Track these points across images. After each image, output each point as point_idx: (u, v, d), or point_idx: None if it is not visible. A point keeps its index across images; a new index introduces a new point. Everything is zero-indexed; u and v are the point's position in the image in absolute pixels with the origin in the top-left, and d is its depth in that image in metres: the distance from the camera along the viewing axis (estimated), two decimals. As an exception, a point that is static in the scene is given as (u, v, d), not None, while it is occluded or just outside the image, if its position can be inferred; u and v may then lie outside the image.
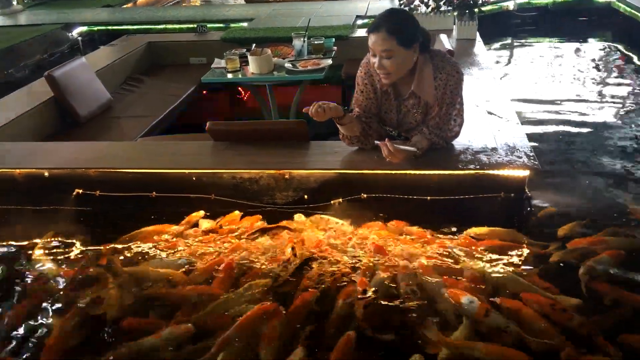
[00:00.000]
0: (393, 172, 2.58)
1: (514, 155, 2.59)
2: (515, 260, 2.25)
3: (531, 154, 2.58)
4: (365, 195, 2.63)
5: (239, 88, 5.14)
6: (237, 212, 2.65)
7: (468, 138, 2.73)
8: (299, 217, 2.59)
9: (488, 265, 2.21)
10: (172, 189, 2.75)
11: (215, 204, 2.71)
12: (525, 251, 2.30)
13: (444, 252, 2.30)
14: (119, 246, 2.47)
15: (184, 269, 2.28)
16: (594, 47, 6.15)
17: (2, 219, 2.81)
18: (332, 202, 2.66)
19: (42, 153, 3.04)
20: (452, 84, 2.51)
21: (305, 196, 2.69)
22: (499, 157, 2.58)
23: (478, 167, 2.53)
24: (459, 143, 2.69)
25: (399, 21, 2.40)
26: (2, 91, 4.58)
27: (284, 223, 2.55)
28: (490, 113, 3.10)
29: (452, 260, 2.24)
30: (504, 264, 2.22)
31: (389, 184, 2.61)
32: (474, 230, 2.42)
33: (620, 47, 6.06)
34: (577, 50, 6.08)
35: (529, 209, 2.62)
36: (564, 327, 1.86)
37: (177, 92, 4.52)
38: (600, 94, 4.71)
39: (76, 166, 2.82)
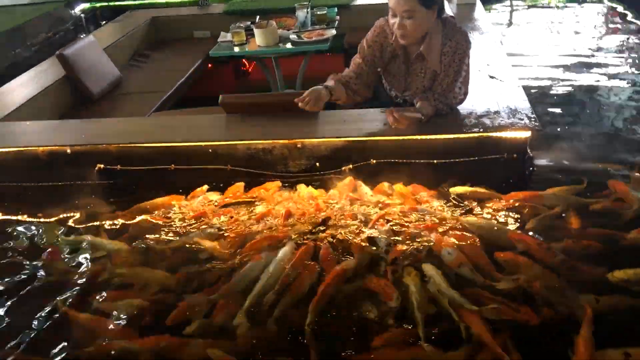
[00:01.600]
0: (400, 137, 2.70)
1: (516, 117, 2.70)
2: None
3: (532, 116, 2.70)
4: (374, 161, 2.75)
5: (244, 60, 5.22)
6: (240, 183, 2.79)
7: (471, 102, 2.83)
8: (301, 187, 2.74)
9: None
10: (189, 162, 2.87)
11: (231, 174, 2.85)
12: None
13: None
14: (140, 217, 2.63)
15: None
16: (592, 8, 6.18)
17: (28, 195, 2.96)
18: (342, 168, 2.79)
19: (62, 130, 3.16)
20: (460, 52, 2.62)
21: (317, 164, 2.81)
22: (501, 120, 2.69)
23: (482, 130, 2.64)
24: (462, 108, 2.80)
25: None
26: (11, 71, 4.69)
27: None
28: (491, 77, 3.20)
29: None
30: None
31: (397, 149, 2.73)
32: (456, 190, 2.58)
33: (618, 7, 6.09)
34: (575, 10, 6.12)
35: (531, 168, 2.76)
36: (547, 265, 2.05)
37: (184, 66, 4.60)
38: (598, 54, 4.78)
39: (96, 142, 2.93)
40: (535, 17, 6.17)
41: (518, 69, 4.46)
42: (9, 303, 2.18)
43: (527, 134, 2.63)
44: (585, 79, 4.27)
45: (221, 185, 2.82)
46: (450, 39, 2.62)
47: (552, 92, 4.08)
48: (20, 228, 2.67)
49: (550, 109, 3.75)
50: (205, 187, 2.80)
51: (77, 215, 2.72)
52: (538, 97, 3.94)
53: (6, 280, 2.31)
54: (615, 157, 2.95)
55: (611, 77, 4.25)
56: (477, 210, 2.44)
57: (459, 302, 1.89)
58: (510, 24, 6.03)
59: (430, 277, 2.03)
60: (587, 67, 4.51)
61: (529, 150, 2.71)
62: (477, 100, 2.88)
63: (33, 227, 2.67)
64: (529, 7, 6.58)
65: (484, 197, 2.53)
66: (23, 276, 2.32)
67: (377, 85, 3.05)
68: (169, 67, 4.66)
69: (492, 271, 2.06)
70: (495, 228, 2.32)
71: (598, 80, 4.21)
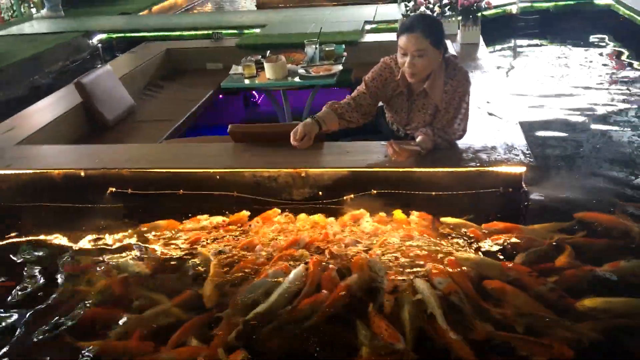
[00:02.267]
0: (400, 169, 2.82)
1: (512, 153, 2.82)
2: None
3: (527, 152, 2.81)
4: (375, 191, 2.86)
5: (254, 92, 5.39)
6: (244, 212, 2.86)
7: (470, 138, 2.95)
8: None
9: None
10: (197, 187, 2.99)
11: (237, 200, 2.96)
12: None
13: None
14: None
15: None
16: (594, 49, 6.34)
17: (42, 217, 3.07)
18: (344, 197, 2.90)
19: (77, 154, 3.30)
20: (461, 91, 2.76)
21: (320, 192, 2.93)
22: (497, 155, 2.80)
23: (478, 164, 2.75)
24: (461, 143, 2.92)
25: (433, 23, 2.68)
26: (29, 96, 4.88)
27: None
28: (490, 114, 3.33)
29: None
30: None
31: (397, 181, 2.84)
32: (447, 220, 2.68)
33: (619, 48, 6.26)
34: (578, 52, 6.28)
35: (526, 202, 2.86)
36: (536, 292, 2.15)
37: (196, 96, 4.78)
38: (600, 95, 4.89)
39: (109, 167, 3.07)
40: (538, 56, 6.33)
41: (520, 106, 4.62)
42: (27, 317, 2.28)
43: (522, 169, 2.73)
44: (586, 117, 4.39)
45: (226, 212, 2.91)
46: (452, 78, 2.77)
47: (552, 129, 4.19)
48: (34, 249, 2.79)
49: (549, 145, 3.85)
50: (206, 215, 2.88)
51: (88, 235, 2.82)
52: (538, 133, 4.07)
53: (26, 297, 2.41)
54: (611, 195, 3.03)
55: (613, 115, 4.37)
56: (468, 241, 2.54)
57: (443, 326, 1.98)
58: (512, 65, 6.17)
59: (421, 293, 2.14)
60: (590, 106, 4.63)
61: (524, 185, 2.82)
62: (475, 135, 3.00)
63: (46, 246, 2.79)
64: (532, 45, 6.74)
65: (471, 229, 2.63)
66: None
67: (380, 119, 3.19)
68: (181, 96, 4.83)
69: (479, 301, 2.14)
70: (488, 263, 2.39)
71: (600, 119, 4.32)
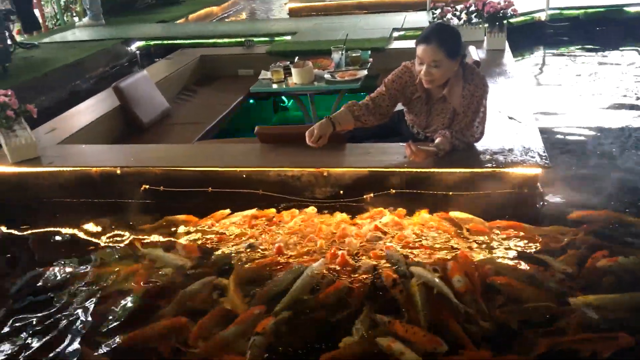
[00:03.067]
0: (418, 170, 2.92)
1: (528, 155, 2.89)
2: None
3: (544, 154, 2.88)
4: (394, 191, 2.98)
5: (283, 97, 5.56)
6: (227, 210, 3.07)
7: (488, 140, 3.04)
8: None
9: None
10: (225, 185, 3.15)
11: (263, 198, 3.11)
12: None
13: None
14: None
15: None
16: (624, 57, 6.31)
17: (81, 211, 3.28)
18: (364, 196, 3.02)
19: (114, 154, 3.51)
20: (479, 95, 2.85)
21: (341, 191, 3.05)
22: (514, 157, 2.88)
23: (495, 165, 2.84)
24: (479, 145, 3.01)
25: (448, 35, 2.77)
26: (70, 100, 5.14)
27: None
28: (510, 118, 3.40)
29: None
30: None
31: (415, 181, 2.95)
32: (455, 215, 2.82)
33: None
34: (606, 60, 6.26)
35: (542, 203, 2.93)
36: (547, 287, 2.26)
37: (227, 100, 4.96)
38: (625, 105, 4.88)
39: (143, 165, 3.26)
40: (566, 64, 6.33)
41: (542, 112, 4.67)
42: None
43: (537, 170, 2.81)
44: (614, 123, 4.40)
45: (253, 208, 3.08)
46: (470, 83, 2.86)
47: (573, 134, 4.23)
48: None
49: (568, 150, 3.90)
50: (228, 210, 3.07)
51: (120, 229, 3.03)
52: (558, 138, 4.11)
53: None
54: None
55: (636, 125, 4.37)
56: (483, 240, 2.64)
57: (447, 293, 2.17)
58: (540, 71, 6.19)
59: (423, 277, 2.32)
60: (617, 114, 4.63)
61: (539, 186, 2.89)
62: (493, 138, 3.08)
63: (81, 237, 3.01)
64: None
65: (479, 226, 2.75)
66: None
67: (401, 122, 3.30)
68: (213, 101, 5.02)
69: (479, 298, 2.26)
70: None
71: (623, 128, 4.33)
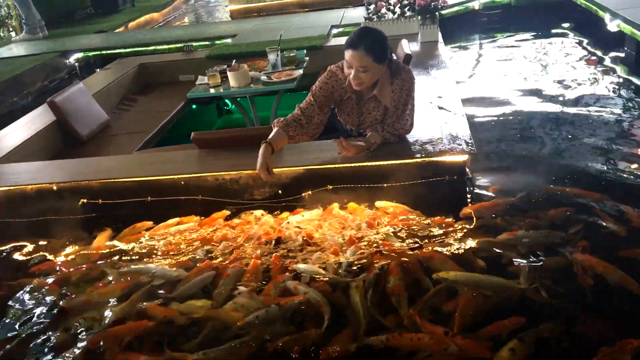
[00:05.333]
0: (353, 165, 2.99)
1: (456, 143, 2.99)
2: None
3: (470, 141, 2.98)
4: (330, 187, 3.04)
5: (226, 100, 5.57)
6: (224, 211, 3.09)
7: (418, 131, 3.13)
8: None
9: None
10: (164, 194, 3.16)
11: (202, 204, 3.13)
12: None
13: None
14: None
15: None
16: (555, 42, 6.55)
17: (17, 230, 3.23)
18: (303, 194, 3.07)
19: (50, 170, 3.46)
20: (407, 88, 2.93)
21: (280, 191, 3.10)
22: (442, 146, 2.98)
23: (424, 155, 2.93)
24: (410, 136, 3.10)
25: (375, 41, 2.77)
26: (8, 119, 5.02)
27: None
28: (441, 108, 3.51)
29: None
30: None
31: (350, 175, 3.02)
32: (380, 204, 2.93)
33: (579, 39, 6.47)
34: (537, 44, 6.49)
35: (471, 188, 3.05)
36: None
37: (169, 107, 4.93)
38: (556, 87, 5.07)
39: (79, 179, 3.23)
40: (499, 50, 6.53)
41: (473, 100, 4.82)
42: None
43: (464, 157, 2.91)
44: (540, 108, 4.58)
45: (194, 215, 3.11)
46: (397, 78, 2.93)
47: (504, 119, 4.39)
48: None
49: (498, 135, 4.05)
50: (176, 219, 3.09)
51: (59, 245, 3.01)
52: (489, 124, 4.26)
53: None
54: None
55: (567, 105, 4.55)
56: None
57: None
58: (475, 60, 6.36)
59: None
60: (546, 97, 4.82)
61: (468, 172, 3.00)
62: (424, 128, 3.18)
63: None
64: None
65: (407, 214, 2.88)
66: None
67: (335, 119, 3.37)
68: (154, 109, 4.99)
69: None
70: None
71: (553, 110, 4.51)
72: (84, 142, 4.34)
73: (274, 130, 2.94)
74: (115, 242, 2.96)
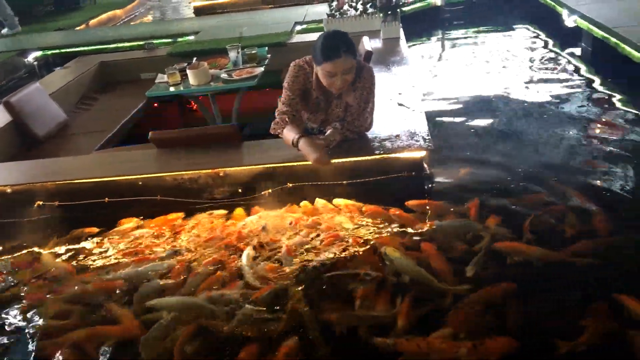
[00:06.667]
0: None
1: (414, 139, 3.02)
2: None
3: (427, 137, 3.02)
4: (290, 185, 3.04)
5: (189, 99, 5.51)
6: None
7: (378, 128, 3.15)
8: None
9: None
10: (122, 194, 3.12)
11: (161, 204, 3.10)
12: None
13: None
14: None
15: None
16: (516, 35, 6.66)
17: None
18: (263, 192, 3.07)
19: (5, 172, 3.38)
20: (368, 86, 2.94)
21: (239, 190, 3.09)
22: (400, 142, 3.00)
23: (383, 152, 2.95)
24: (369, 133, 3.11)
25: (347, 40, 2.74)
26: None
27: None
28: (400, 104, 3.53)
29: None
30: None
31: (310, 173, 3.03)
32: (337, 201, 2.98)
33: (539, 34, 6.59)
34: (497, 39, 6.60)
35: (430, 185, 3.08)
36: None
37: (130, 106, 4.86)
38: (516, 82, 5.16)
39: (36, 181, 3.17)
40: (460, 46, 6.60)
41: (433, 96, 4.88)
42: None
43: (422, 153, 2.94)
44: (498, 102, 4.66)
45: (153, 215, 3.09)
46: (360, 76, 2.93)
47: (463, 115, 4.45)
48: None
49: (457, 131, 4.10)
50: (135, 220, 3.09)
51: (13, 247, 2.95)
52: (447, 120, 4.33)
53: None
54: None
55: (526, 100, 4.64)
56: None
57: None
58: (437, 55, 6.42)
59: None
60: (504, 92, 4.90)
61: (426, 168, 3.03)
62: (383, 125, 3.19)
63: None
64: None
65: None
66: None
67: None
68: (115, 107, 4.91)
69: None
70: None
71: (512, 104, 4.59)
72: (41, 143, 4.25)
73: (287, 128, 2.87)
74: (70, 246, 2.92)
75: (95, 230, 3.02)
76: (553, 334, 2.04)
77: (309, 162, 2.97)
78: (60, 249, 2.91)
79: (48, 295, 2.55)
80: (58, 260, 2.82)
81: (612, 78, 4.89)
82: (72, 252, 2.87)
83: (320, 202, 3.00)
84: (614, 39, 4.90)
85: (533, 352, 2.03)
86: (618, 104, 4.35)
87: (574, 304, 2.21)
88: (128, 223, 3.07)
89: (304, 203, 2.98)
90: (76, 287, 2.57)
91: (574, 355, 1.96)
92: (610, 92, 4.61)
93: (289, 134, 2.84)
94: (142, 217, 3.09)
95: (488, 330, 2.08)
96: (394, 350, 2.03)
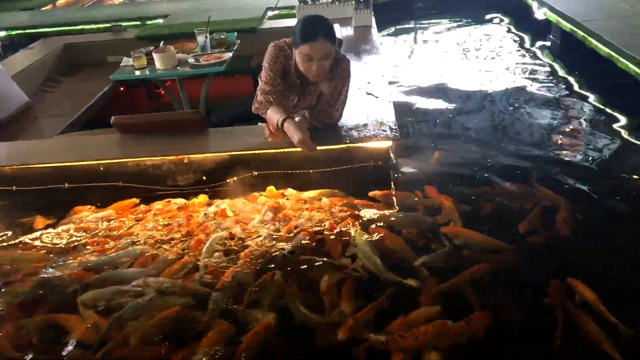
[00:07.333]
0: (279, 150, 2.96)
1: (381, 129, 3.01)
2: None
3: (394, 127, 3.01)
4: (256, 173, 3.01)
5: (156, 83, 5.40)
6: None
7: (346, 117, 3.12)
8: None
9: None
10: (83, 180, 3.05)
11: (124, 190, 3.04)
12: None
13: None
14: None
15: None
16: (488, 26, 6.69)
17: None
18: (227, 180, 3.03)
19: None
20: (344, 77, 2.90)
21: (204, 177, 3.04)
22: (367, 132, 2.99)
23: (349, 141, 2.93)
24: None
25: (329, 25, 2.71)
26: None
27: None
28: (368, 94, 3.52)
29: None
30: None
31: (276, 161, 3.00)
32: (307, 194, 2.95)
33: (509, 26, 6.63)
34: (468, 30, 6.63)
35: (396, 175, 3.08)
36: None
37: (94, 90, 4.73)
38: (486, 73, 5.19)
39: (-8, 165, 3.07)
40: (432, 36, 6.61)
41: (402, 85, 4.88)
42: None
43: (388, 143, 2.93)
44: (467, 93, 4.68)
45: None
46: (337, 66, 2.89)
47: (432, 105, 4.46)
48: None
49: (425, 121, 4.11)
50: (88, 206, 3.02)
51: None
52: (417, 110, 4.33)
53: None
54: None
55: (496, 91, 4.67)
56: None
57: None
58: (404, 45, 6.42)
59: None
60: (474, 81, 4.92)
61: (392, 158, 3.03)
62: (351, 115, 3.17)
63: None
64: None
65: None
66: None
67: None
68: (79, 91, 4.78)
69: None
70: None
71: (481, 95, 4.62)
72: (2, 126, 4.12)
73: (272, 109, 2.80)
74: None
75: (51, 218, 2.94)
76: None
77: (276, 150, 2.95)
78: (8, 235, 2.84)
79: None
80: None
81: (579, 71, 4.95)
82: (24, 240, 2.79)
83: (287, 190, 2.97)
84: (581, 33, 4.95)
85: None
86: (585, 98, 4.40)
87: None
88: (83, 210, 2.99)
89: (269, 188, 2.95)
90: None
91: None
92: (576, 85, 4.67)
93: (274, 115, 2.78)
94: (99, 205, 3.02)
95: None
96: (387, 347, 2.00)
